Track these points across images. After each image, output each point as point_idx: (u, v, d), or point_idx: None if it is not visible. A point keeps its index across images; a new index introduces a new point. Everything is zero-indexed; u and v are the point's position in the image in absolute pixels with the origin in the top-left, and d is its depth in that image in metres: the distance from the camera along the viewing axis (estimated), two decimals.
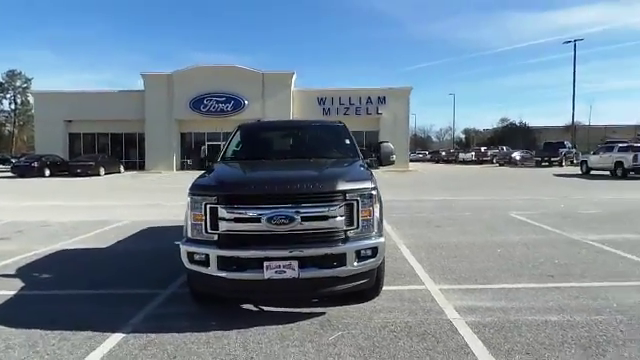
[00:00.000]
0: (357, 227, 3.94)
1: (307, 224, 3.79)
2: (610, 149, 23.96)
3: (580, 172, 25.83)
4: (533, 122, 59.36)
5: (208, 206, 3.90)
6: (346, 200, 3.89)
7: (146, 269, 5.96)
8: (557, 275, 5.24)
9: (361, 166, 4.84)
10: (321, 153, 5.28)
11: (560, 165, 33.74)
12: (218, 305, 4.41)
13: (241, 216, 3.82)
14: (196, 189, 4.08)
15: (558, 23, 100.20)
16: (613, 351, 3.29)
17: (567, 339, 3.51)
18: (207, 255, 3.87)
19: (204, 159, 5.79)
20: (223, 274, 3.84)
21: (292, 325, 3.94)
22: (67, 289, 5.13)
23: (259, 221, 3.78)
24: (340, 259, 3.84)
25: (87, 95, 35.43)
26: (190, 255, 3.97)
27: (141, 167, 35.16)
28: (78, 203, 14.14)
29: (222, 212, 3.84)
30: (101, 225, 9.46)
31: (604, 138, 43.84)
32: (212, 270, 3.86)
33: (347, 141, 5.58)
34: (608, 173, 23.21)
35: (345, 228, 3.89)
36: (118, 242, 7.81)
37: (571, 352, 3.29)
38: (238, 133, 5.73)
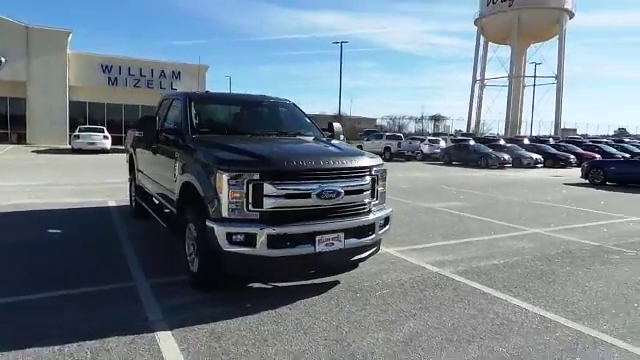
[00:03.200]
0: (377, 199, 4.40)
1: (347, 198, 4.04)
2: (380, 137, 29.37)
3: None
4: (306, 110, 65.96)
5: (251, 183, 3.69)
6: (371, 175, 4.30)
7: (59, 265, 4.83)
8: (457, 234, 6.79)
9: None
10: (297, 130, 5.35)
11: None
12: (220, 290, 4.11)
13: (292, 192, 3.78)
14: (233, 164, 3.75)
15: (311, 22, 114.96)
16: (557, 279, 4.79)
17: (524, 274, 4.87)
18: (254, 235, 3.68)
19: (158, 132, 5.02)
20: (273, 252, 3.74)
21: (327, 294, 4.13)
22: None
23: (309, 196, 3.83)
24: (371, 229, 4.24)
25: None
26: (229, 236, 3.68)
27: None
28: None
29: (269, 189, 3.70)
30: None
31: (356, 127, 52.46)
32: (260, 249, 3.70)
33: (307, 120, 5.77)
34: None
35: (369, 200, 4.30)
36: None
37: (537, 281, 4.64)
38: (192, 104, 5.14)
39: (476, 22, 65.08)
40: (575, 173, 18.39)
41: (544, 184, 15.64)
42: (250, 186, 3.69)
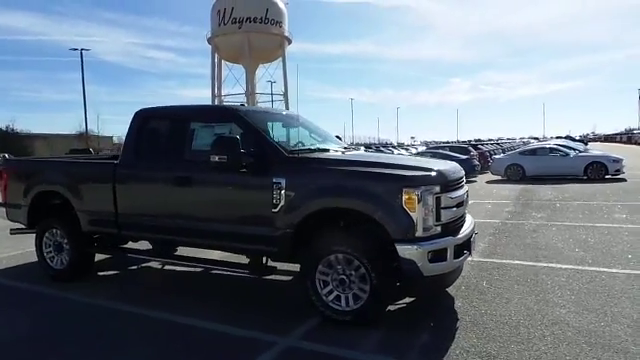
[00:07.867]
0: None
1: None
2: None
3: None
4: (34, 129, 53.44)
5: (435, 197, 3.66)
6: None
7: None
8: None
9: None
10: (340, 142, 5.19)
11: None
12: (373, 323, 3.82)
13: (458, 201, 3.95)
14: (419, 181, 3.65)
15: None
16: (547, 246, 6.22)
17: (522, 247, 6.15)
18: (445, 249, 3.67)
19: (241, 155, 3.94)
20: (455, 263, 3.81)
21: (462, 298, 4.35)
22: None
23: (462, 204, 4.07)
24: None
25: None
26: (429, 255, 3.54)
27: None
28: None
29: (446, 200, 3.76)
30: None
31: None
32: (449, 263, 3.73)
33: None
34: None
35: None
36: None
37: (540, 251, 5.96)
38: (248, 120, 4.29)
39: (209, 41, 67.03)
40: None
41: None
42: (435, 200, 3.64)
